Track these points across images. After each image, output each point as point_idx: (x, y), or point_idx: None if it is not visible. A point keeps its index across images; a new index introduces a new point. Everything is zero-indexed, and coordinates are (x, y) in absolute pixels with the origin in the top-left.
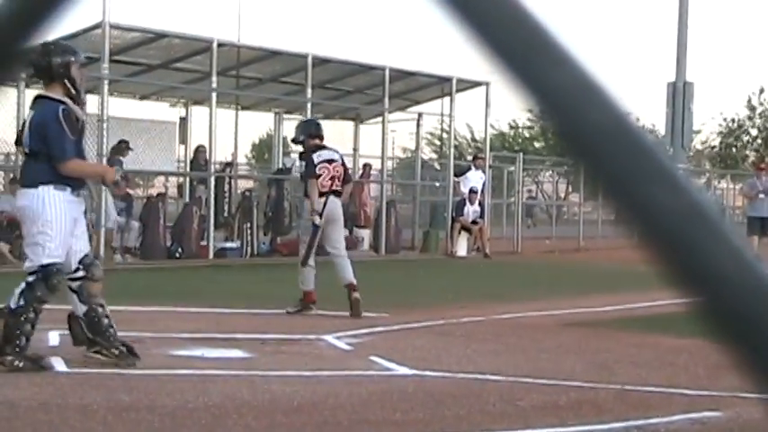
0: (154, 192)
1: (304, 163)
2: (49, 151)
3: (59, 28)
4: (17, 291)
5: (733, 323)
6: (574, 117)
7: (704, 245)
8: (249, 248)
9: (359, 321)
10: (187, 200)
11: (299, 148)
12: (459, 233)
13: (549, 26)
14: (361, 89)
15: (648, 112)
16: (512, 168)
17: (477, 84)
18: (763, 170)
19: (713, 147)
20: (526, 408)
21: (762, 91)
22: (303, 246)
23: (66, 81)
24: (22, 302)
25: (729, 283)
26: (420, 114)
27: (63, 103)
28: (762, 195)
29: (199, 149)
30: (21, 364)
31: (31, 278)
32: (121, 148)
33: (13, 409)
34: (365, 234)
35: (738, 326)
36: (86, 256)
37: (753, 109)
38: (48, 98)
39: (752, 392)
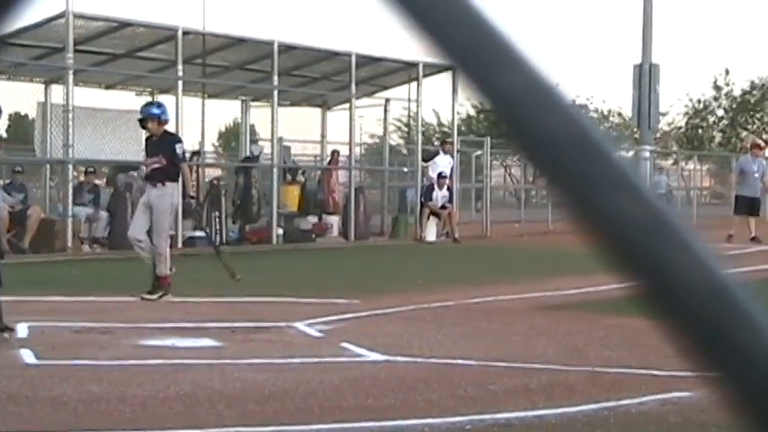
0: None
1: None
2: None
3: (24, 17)
4: None
5: (697, 333)
6: (529, 122)
7: (666, 253)
8: (218, 237)
9: (329, 308)
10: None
11: (267, 135)
12: (428, 218)
13: (503, 28)
14: (328, 76)
15: (615, 95)
16: (479, 153)
17: (444, 68)
18: (762, 149)
19: (680, 128)
20: (498, 391)
21: (727, 72)
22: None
23: None
24: None
25: (693, 292)
26: (387, 100)
27: None
28: (756, 175)
29: None
30: None
31: None
32: None
33: None
34: (334, 221)
35: (703, 334)
36: None
37: (718, 89)
38: None
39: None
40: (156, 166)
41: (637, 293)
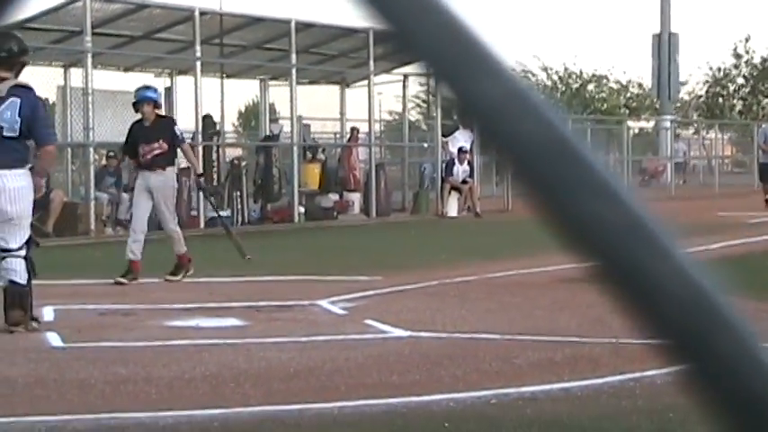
0: None
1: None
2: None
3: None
4: (19, 267)
5: (676, 340)
6: (506, 128)
7: (645, 260)
8: (240, 216)
9: (352, 285)
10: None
11: (286, 114)
12: (450, 193)
13: (480, 36)
14: (346, 53)
15: (635, 65)
16: None
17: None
18: None
19: (699, 97)
20: (522, 365)
21: (747, 39)
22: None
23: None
24: (27, 275)
25: (672, 300)
26: (406, 76)
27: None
28: None
29: (206, 118)
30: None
31: (24, 252)
32: None
33: (11, 385)
34: (355, 198)
35: (681, 341)
36: None
37: (739, 57)
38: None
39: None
40: (158, 152)
41: (617, 300)
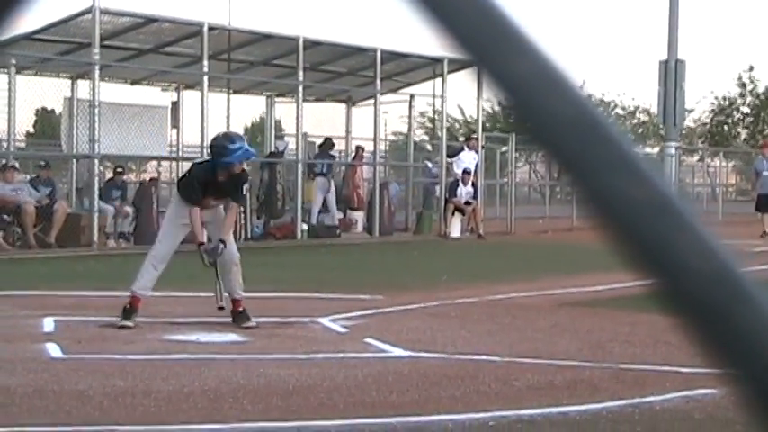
0: (146, 177)
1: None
2: None
3: (43, 11)
4: None
5: (698, 314)
6: (535, 106)
7: (668, 235)
8: (242, 232)
9: (353, 304)
10: None
11: (292, 130)
12: (453, 214)
13: (510, 16)
14: (353, 71)
15: (641, 91)
16: (504, 149)
17: (470, 64)
18: (767, 149)
19: (705, 124)
20: (521, 388)
21: (751, 68)
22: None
23: None
24: None
25: (694, 275)
26: (412, 96)
27: None
28: (766, 173)
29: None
30: None
31: None
32: None
33: (10, 395)
34: (359, 216)
35: (704, 316)
36: None
37: (743, 86)
38: None
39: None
40: (221, 205)
41: (646, 281)
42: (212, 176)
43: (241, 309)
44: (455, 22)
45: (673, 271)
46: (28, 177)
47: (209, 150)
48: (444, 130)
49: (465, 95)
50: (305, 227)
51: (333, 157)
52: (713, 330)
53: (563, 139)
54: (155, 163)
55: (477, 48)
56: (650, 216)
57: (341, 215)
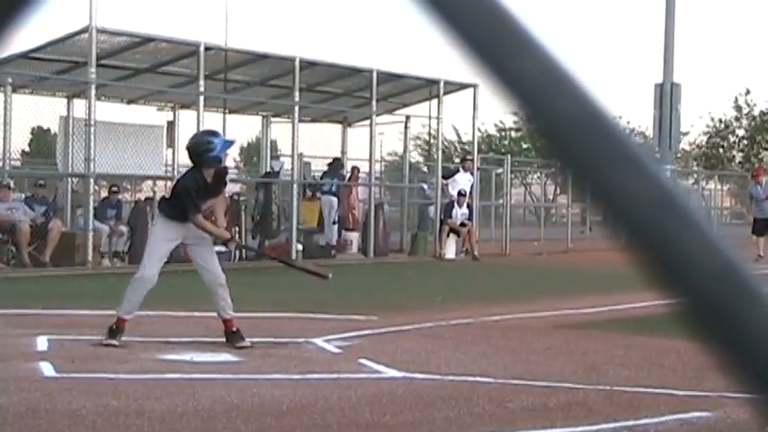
0: (142, 196)
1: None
2: None
3: (40, 30)
4: None
5: (702, 310)
6: (541, 104)
7: (673, 232)
8: (238, 252)
9: (348, 324)
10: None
11: (287, 151)
12: (448, 235)
13: (515, 14)
14: (349, 92)
15: (636, 114)
16: (500, 171)
17: (465, 86)
18: (760, 176)
19: (700, 147)
20: (515, 410)
21: (748, 92)
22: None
23: None
24: None
25: (698, 270)
26: (408, 117)
27: None
28: (764, 196)
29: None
30: None
31: None
32: None
33: (2, 414)
34: (354, 237)
35: (707, 312)
36: None
37: (739, 109)
38: None
39: (736, 391)
40: (207, 208)
41: (645, 272)
42: (203, 181)
43: (234, 329)
44: (460, 20)
45: (677, 267)
46: (23, 196)
47: (190, 158)
48: (440, 152)
49: (461, 117)
50: (300, 247)
51: (343, 177)
52: (717, 326)
53: (568, 137)
54: (150, 182)
55: (482, 46)
56: (655, 212)
57: (336, 236)
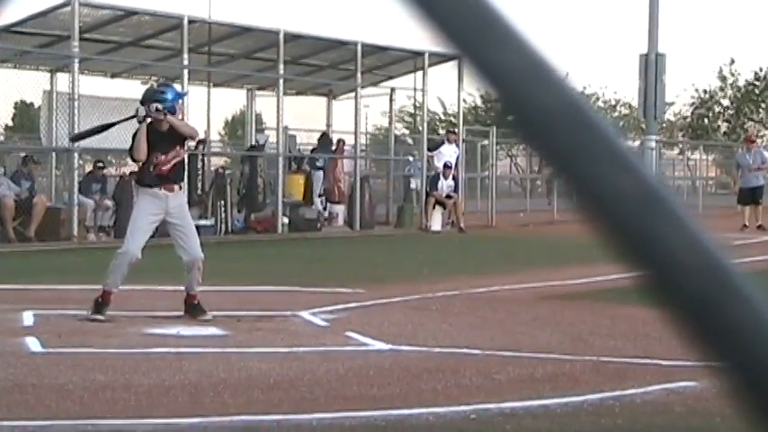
0: (127, 170)
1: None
2: None
3: (22, 4)
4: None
5: (685, 306)
6: (521, 97)
7: (655, 227)
8: (223, 226)
9: (334, 297)
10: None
11: (272, 124)
12: (434, 208)
13: (495, 6)
14: (334, 64)
15: (622, 85)
16: (485, 142)
17: (450, 57)
18: (753, 143)
19: (685, 117)
20: (502, 381)
21: (732, 62)
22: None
23: None
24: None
25: (681, 266)
26: (393, 89)
27: None
28: (753, 166)
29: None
30: None
31: None
32: None
33: None
34: (340, 210)
35: (692, 308)
36: None
37: (724, 79)
38: None
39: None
40: (177, 160)
41: (629, 269)
42: (157, 132)
43: (196, 302)
44: (440, 12)
45: (660, 263)
46: (3, 170)
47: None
48: (425, 124)
49: (446, 89)
50: (285, 220)
51: (332, 151)
52: (700, 322)
53: (549, 130)
54: None
55: (462, 38)
56: (637, 207)
57: (321, 208)
